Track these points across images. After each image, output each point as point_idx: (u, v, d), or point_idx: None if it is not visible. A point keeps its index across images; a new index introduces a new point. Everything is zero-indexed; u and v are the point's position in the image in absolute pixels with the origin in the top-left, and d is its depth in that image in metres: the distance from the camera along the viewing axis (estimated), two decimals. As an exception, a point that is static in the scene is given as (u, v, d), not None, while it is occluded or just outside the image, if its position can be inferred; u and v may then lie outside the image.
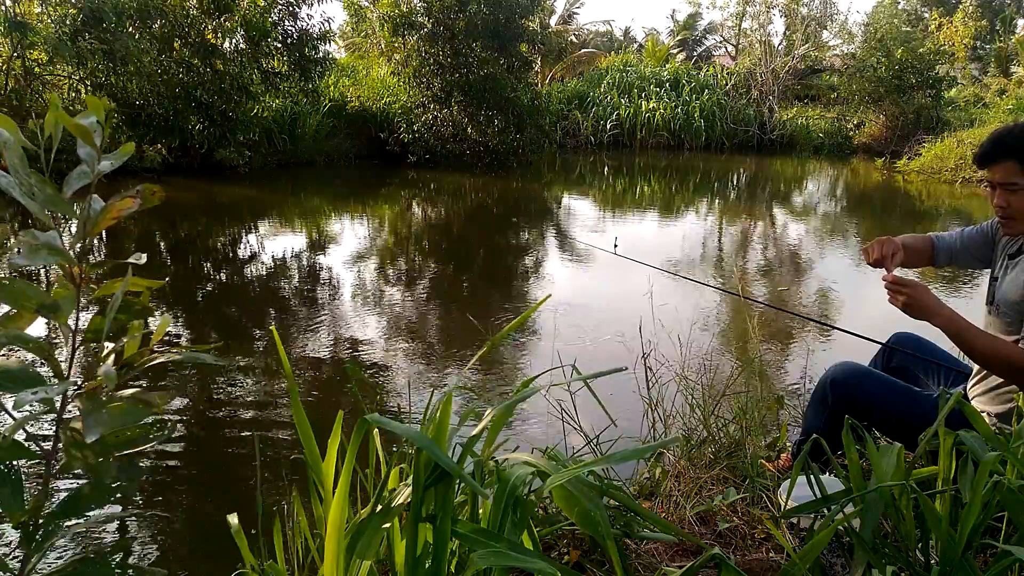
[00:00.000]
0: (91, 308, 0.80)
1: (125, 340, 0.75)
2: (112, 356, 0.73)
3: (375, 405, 3.58)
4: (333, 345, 4.58)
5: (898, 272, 1.79)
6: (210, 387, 3.78)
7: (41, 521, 0.66)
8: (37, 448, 0.70)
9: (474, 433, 1.16)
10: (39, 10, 10.60)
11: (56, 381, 0.66)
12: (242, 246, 8.00)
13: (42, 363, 0.71)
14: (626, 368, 1.27)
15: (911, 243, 1.97)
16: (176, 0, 11.45)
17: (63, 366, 0.69)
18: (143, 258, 0.73)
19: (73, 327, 0.69)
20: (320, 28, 12.85)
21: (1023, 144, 1.66)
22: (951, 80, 20.17)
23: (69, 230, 0.77)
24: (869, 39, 19.83)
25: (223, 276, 6.65)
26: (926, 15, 29.09)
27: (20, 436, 0.65)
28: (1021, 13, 30.10)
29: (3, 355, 0.68)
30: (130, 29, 10.90)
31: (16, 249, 0.63)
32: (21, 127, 0.66)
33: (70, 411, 0.69)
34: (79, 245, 0.67)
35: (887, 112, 18.33)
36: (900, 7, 30.24)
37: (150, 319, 0.79)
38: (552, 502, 1.46)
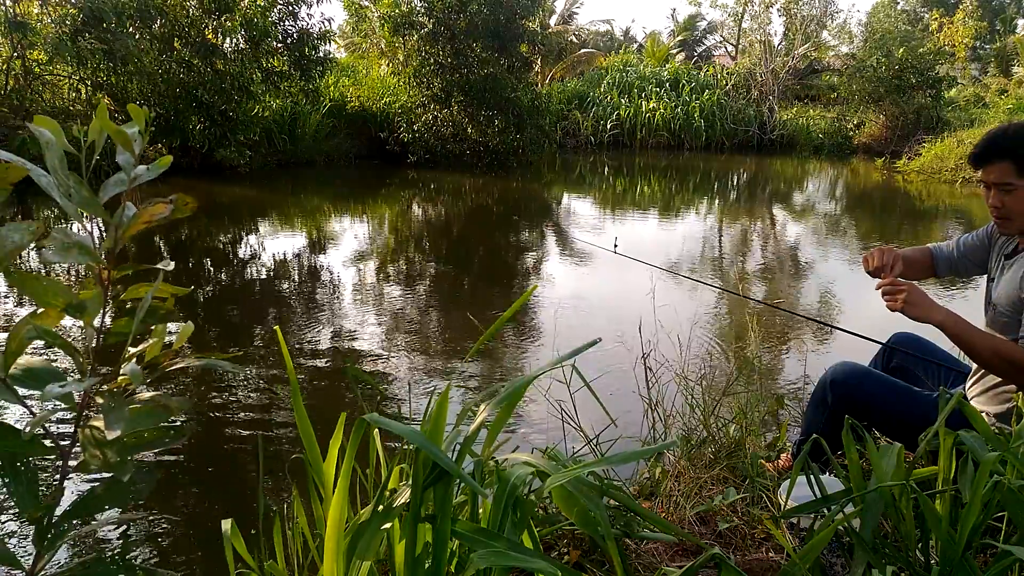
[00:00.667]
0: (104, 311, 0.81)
1: (151, 341, 0.76)
2: (134, 358, 0.74)
3: (376, 405, 3.59)
4: (334, 345, 4.58)
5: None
6: (212, 386, 3.79)
7: (55, 519, 0.66)
8: (54, 444, 0.71)
9: (471, 430, 1.16)
10: (39, 10, 10.60)
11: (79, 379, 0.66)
12: (242, 246, 8.00)
13: (63, 364, 0.71)
14: (600, 340, 1.28)
15: (910, 255, 1.97)
16: (176, 0, 11.45)
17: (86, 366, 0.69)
18: (171, 265, 0.75)
19: (98, 328, 0.70)
20: (320, 28, 12.86)
21: (1018, 144, 1.66)
22: (951, 80, 20.16)
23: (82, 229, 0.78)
24: (869, 39, 19.83)
25: (223, 276, 6.66)
26: (925, 15, 29.09)
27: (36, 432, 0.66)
28: (1021, 13, 30.12)
29: (27, 353, 0.69)
30: (130, 29, 10.89)
31: (46, 247, 0.64)
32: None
33: (87, 414, 0.70)
34: (113, 248, 0.69)
35: (887, 112, 18.33)
36: (899, 7, 30.24)
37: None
38: (552, 502, 1.46)
